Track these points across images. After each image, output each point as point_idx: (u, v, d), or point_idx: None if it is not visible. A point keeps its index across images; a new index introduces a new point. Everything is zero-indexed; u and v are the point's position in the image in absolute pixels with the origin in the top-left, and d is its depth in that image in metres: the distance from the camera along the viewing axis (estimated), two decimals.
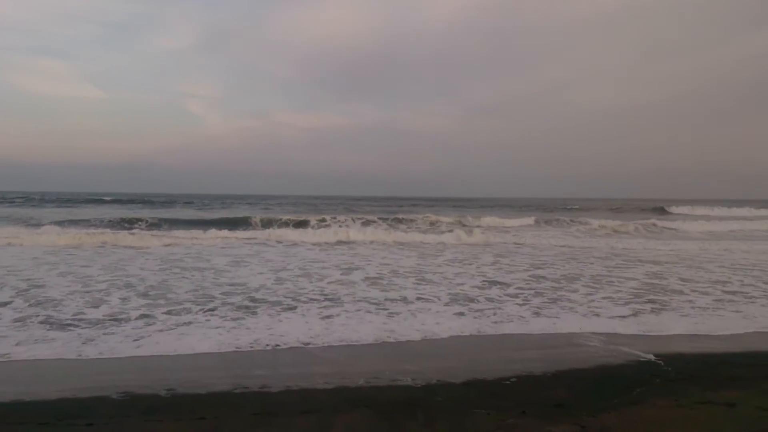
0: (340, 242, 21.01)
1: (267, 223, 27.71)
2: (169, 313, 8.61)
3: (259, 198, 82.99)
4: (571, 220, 33.37)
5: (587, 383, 5.53)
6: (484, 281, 12.11)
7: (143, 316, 8.39)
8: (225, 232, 22.31)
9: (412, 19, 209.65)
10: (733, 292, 11.13)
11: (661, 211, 50.87)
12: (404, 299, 9.95)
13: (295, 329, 7.64)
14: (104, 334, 7.30)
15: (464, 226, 27.58)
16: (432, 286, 11.48)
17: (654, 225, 31.12)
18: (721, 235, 27.80)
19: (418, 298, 10.06)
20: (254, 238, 21.67)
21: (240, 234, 22.48)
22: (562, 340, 7.41)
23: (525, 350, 6.96)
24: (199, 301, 9.50)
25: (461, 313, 8.87)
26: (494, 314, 8.82)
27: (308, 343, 7.00)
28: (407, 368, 6.00)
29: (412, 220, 29.83)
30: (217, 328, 7.73)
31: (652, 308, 9.49)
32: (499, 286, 11.57)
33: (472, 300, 10.00)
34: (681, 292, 11.03)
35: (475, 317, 8.62)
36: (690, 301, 10.12)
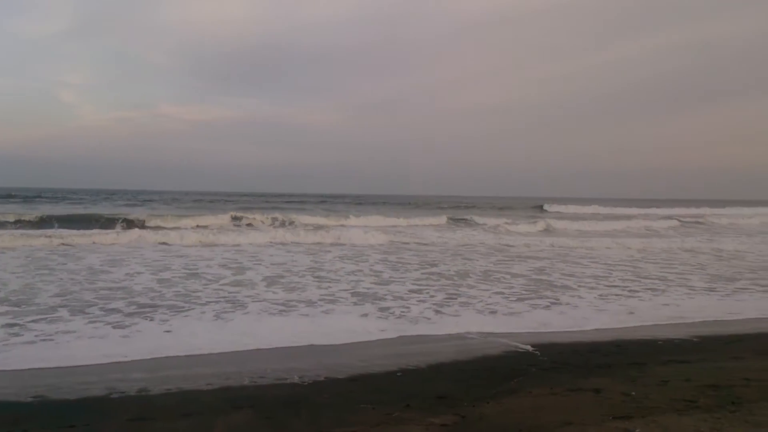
0: (221, 241, 20.19)
1: (145, 220, 26.55)
2: (37, 321, 8.18)
3: (139, 193, 79.76)
4: (455, 219, 34.73)
5: (469, 375, 6.02)
6: (380, 280, 12.53)
7: (7, 325, 7.91)
8: (98, 230, 21.35)
9: (302, 13, 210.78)
10: (615, 286, 12.22)
11: (540, 209, 55.29)
12: (309, 300, 10.10)
13: (189, 334, 7.57)
14: None
15: (348, 226, 27.91)
16: (333, 284, 11.76)
17: (539, 222, 33.06)
18: (594, 232, 29.91)
19: (322, 299, 10.27)
20: (131, 236, 20.72)
21: (115, 232, 21.45)
22: (445, 335, 7.92)
23: (412, 344, 7.41)
24: (74, 307, 9.13)
25: (366, 314, 9.11)
26: (398, 315, 9.09)
27: (202, 348, 6.96)
28: (294, 366, 6.22)
29: (308, 224, 29.81)
30: (102, 338, 7.39)
31: (549, 303, 10.31)
32: (396, 283, 12.06)
33: (377, 298, 10.36)
34: (569, 287, 11.96)
35: (379, 317, 8.90)
36: (580, 297, 11.02)
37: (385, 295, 10.72)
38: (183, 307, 9.27)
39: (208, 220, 27.98)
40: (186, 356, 6.68)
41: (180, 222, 26.45)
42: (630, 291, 11.71)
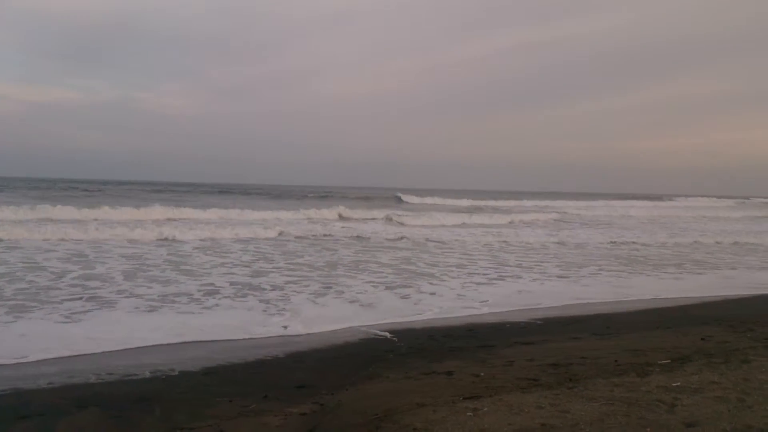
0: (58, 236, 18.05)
1: None
2: None
3: None
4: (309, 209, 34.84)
5: (329, 363, 6.26)
6: (252, 272, 12.40)
7: None
8: None
9: None
10: (476, 274, 13.00)
11: (398, 200, 57.14)
12: (189, 294, 9.84)
13: (39, 335, 7.06)
14: None
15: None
16: (203, 277, 11.53)
17: (398, 212, 34.01)
18: (449, 223, 31.00)
19: (199, 291, 10.06)
20: None
21: None
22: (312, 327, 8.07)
23: (272, 336, 7.50)
24: None
25: (251, 308, 9.01)
26: (278, 307, 9.09)
27: (59, 350, 6.48)
28: (146, 362, 6.11)
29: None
30: None
31: (412, 291, 10.77)
32: (269, 276, 12.01)
33: (254, 289, 10.33)
34: (433, 276, 12.54)
35: (264, 310, 8.87)
36: (441, 285, 11.57)
37: (265, 287, 10.69)
38: (32, 306, 8.53)
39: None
40: (28, 360, 6.23)
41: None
42: (489, 279, 12.48)
